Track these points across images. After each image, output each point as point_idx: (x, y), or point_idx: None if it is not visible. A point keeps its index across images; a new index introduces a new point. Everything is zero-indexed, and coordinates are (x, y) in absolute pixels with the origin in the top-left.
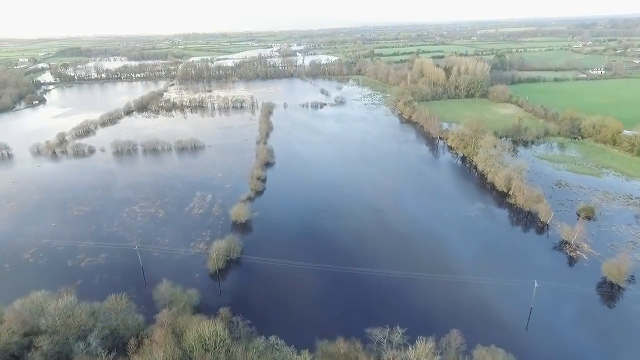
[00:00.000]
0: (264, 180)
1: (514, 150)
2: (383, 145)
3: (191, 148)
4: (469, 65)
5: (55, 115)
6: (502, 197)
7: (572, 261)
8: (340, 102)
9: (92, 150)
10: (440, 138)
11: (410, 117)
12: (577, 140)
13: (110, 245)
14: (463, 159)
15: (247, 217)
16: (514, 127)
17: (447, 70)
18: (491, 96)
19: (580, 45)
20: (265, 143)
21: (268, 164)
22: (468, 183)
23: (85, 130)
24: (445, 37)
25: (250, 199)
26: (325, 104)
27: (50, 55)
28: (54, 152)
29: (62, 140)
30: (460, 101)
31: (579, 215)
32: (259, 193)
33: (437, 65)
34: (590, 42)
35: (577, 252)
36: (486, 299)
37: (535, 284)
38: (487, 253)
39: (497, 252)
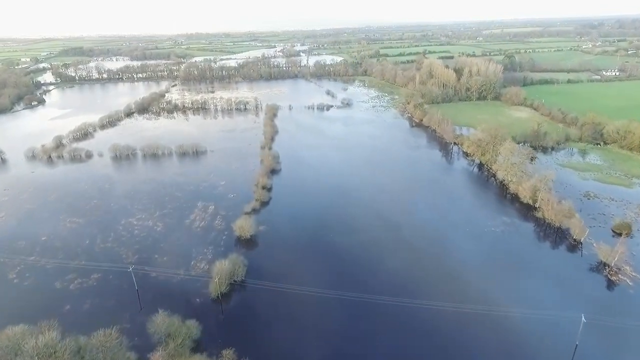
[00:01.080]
0: (269, 189)
1: (532, 157)
2: (394, 150)
3: (193, 153)
4: (481, 67)
5: (53, 116)
6: (527, 210)
7: (613, 286)
8: (347, 104)
9: (89, 155)
10: (455, 143)
11: (421, 120)
12: (599, 146)
13: (103, 266)
14: (480, 166)
15: (252, 232)
16: (532, 132)
17: (458, 72)
18: (504, 98)
19: (590, 45)
20: (270, 148)
21: (273, 171)
22: (488, 193)
23: (84, 133)
24: (451, 38)
25: (255, 210)
26: (331, 106)
27: (52, 55)
28: (50, 156)
29: (58, 144)
30: (472, 104)
31: (614, 232)
32: (265, 204)
33: (447, 66)
34: (600, 43)
35: (619, 275)
36: (522, 333)
37: (583, 318)
38: (519, 277)
39: (529, 276)
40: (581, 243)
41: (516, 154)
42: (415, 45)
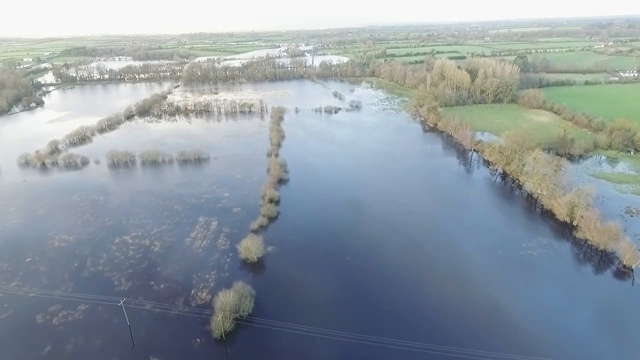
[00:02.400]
0: (277, 202)
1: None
2: (409, 158)
3: (195, 160)
4: (496, 68)
5: (51, 119)
6: (563, 229)
7: None
8: (355, 106)
9: (85, 162)
10: (475, 151)
11: (436, 124)
12: (630, 154)
13: (91, 297)
14: (503, 176)
15: (259, 254)
16: (559, 138)
17: (471, 73)
18: (521, 101)
19: (602, 45)
20: (277, 155)
21: (281, 181)
22: (515, 207)
23: (81, 138)
24: (458, 38)
25: (262, 227)
26: (339, 109)
27: (55, 54)
28: (44, 163)
29: (54, 150)
30: (488, 107)
31: None
32: (272, 219)
33: (459, 67)
34: (612, 43)
35: None
36: None
37: None
38: (569, 316)
39: (580, 315)
40: (632, 270)
41: (546, 164)
42: (422, 45)
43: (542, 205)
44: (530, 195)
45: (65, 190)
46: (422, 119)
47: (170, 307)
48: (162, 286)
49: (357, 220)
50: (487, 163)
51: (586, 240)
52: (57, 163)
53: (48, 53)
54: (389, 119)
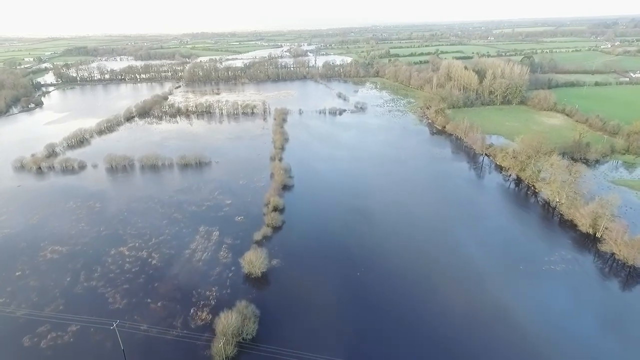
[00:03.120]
0: (281, 211)
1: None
2: (417, 162)
3: (196, 164)
4: (505, 69)
5: (49, 121)
6: (586, 240)
7: None
8: (360, 108)
9: (82, 166)
10: (486, 155)
11: (444, 127)
12: None
13: (83, 317)
14: (517, 182)
15: (264, 268)
16: (574, 142)
17: (479, 73)
18: (531, 103)
19: (609, 45)
20: (280, 159)
21: (285, 187)
22: (532, 216)
23: (79, 140)
24: (461, 37)
25: (266, 238)
26: (344, 110)
27: (56, 54)
28: (40, 167)
29: (50, 153)
30: (497, 108)
31: None
32: (277, 229)
33: (466, 67)
34: (619, 43)
35: None
36: None
37: None
38: (601, 339)
39: (612, 335)
40: None
41: (564, 170)
42: (426, 45)
43: (561, 214)
44: (547, 203)
45: (61, 197)
46: (430, 121)
47: (167, 329)
48: (159, 304)
49: (366, 231)
50: (500, 168)
51: (612, 254)
52: (53, 167)
53: (49, 53)
54: (395, 121)
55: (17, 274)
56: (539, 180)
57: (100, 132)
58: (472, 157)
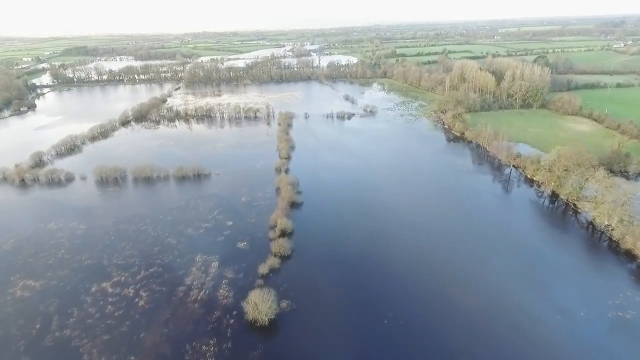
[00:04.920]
0: (290, 235)
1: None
2: (437, 174)
3: (194, 177)
4: (525, 70)
5: (40, 125)
6: None
7: None
8: (370, 112)
9: (70, 178)
10: (514, 167)
11: (463, 133)
12: None
13: None
14: (553, 198)
15: (271, 314)
16: (612, 152)
17: (495, 74)
18: (553, 107)
19: (622, 45)
20: (287, 171)
21: (293, 204)
22: (576, 243)
23: (69, 148)
24: (467, 37)
25: (273, 270)
26: (353, 114)
27: (55, 54)
28: (23, 179)
29: (37, 162)
30: (516, 113)
31: None
32: (285, 258)
33: (480, 69)
34: (631, 42)
35: None
36: None
37: None
38: None
39: None
40: None
41: (614, 189)
42: (432, 45)
43: (612, 241)
44: (592, 226)
45: (42, 216)
46: (446, 126)
47: None
48: None
49: (387, 262)
50: (531, 182)
51: None
52: (38, 179)
53: (49, 52)
54: (408, 126)
55: None
56: (581, 199)
57: (93, 139)
58: (497, 168)
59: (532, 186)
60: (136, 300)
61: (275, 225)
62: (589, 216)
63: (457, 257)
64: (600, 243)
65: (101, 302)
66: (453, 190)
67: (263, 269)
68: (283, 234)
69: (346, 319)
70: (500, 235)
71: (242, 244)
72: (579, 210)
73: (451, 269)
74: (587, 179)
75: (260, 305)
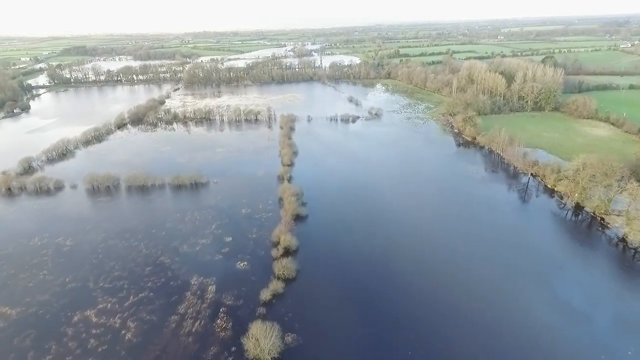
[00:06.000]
0: (294, 253)
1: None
2: (451, 183)
3: (191, 186)
4: (537, 71)
5: (32, 129)
6: None
7: None
8: (375, 114)
9: (59, 187)
10: (532, 175)
11: (474, 138)
12: None
13: None
14: (576, 210)
15: (275, 353)
16: (638, 160)
17: (505, 75)
18: (567, 110)
19: (629, 45)
20: (290, 179)
21: (298, 218)
22: (608, 262)
23: (61, 153)
24: (470, 37)
25: (276, 296)
26: (358, 117)
27: (54, 54)
28: (10, 188)
29: (26, 169)
30: (528, 116)
31: None
32: (290, 281)
33: (489, 69)
34: (638, 42)
35: None
36: None
37: None
38: None
39: None
40: None
41: None
42: (435, 45)
43: None
44: (624, 243)
45: (26, 230)
46: (456, 130)
47: None
48: None
49: (405, 285)
50: (551, 192)
51: None
52: (25, 188)
53: (47, 52)
54: (416, 130)
55: None
56: (611, 213)
57: (87, 143)
58: (512, 176)
59: (552, 197)
60: (123, 332)
61: (278, 242)
62: (619, 232)
63: (477, 280)
64: (635, 262)
65: (83, 335)
66: (467, 202)
67: (265, 294)
68: (287, 252)
69: (360, 355)
70: (522, 254)
71: (242, 264)
72: (608, 225)
73: (472, 293)
74: (620, 191)
75: (262, 341)
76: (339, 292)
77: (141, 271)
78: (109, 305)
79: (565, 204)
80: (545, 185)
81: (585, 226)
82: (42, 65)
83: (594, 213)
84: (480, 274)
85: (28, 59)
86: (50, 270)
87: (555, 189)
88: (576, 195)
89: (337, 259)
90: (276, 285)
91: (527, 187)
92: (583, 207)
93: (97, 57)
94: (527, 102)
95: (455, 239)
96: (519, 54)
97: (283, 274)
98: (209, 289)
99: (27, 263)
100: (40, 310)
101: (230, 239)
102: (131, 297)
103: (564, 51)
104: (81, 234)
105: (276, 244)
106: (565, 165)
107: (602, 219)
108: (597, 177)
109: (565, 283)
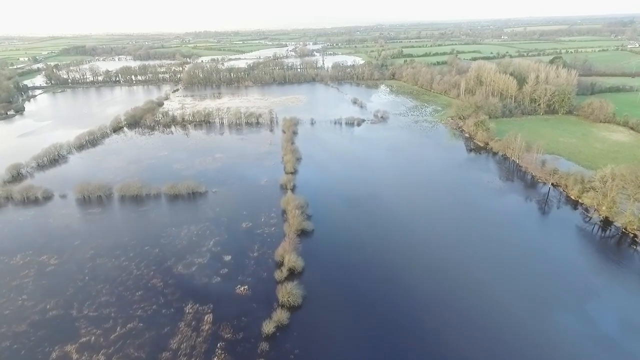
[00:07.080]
0: (299, 275)
1: None
2: (465, 193)
3: (188, 195)
4: (550, 72)
5: (25, 132)
6: None
7: None
8: (381, 117)
9: (48, 196)
10: (553, 185)
11: (487, 143)
12: None
13: None
14: (605, 225)
15: None
16: None
17: (516, 77)
18: (582, 113)
19: (637, 45)
20: (293, 189)
21: (303, 233)
22: None
23: (52, 159)
24: (474, 36)
25: (280, 328)
26: (363, 120)
27: (53, 54)
28: None
29: (14, 176)
30: (541, 119)
31: None
32: (295, 310)
33: (498, 71)
34: None
35: None
36: None
37: None
38: None
39: None
40: None
41: None
42: (439, 45)
43: None
44: None
45: (7, 246)
46: (467, 135)
47: None
48: None
49: (421, 307)
50: (574, 203)
51: None
52: (11, 197)
53: (47, 52)
54: (424, 134)
55: None
56: None
57: (81, 147)
58: (530, 185)
59: (576, 209)
60: None
61: (282, 263)
62: None
63: (504, 312)
64: None
65: None
66: (484, 216)
67: (268, 327)
68: (292, 273)
69: None
70: (549, 272)
71: (242, 288)
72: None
73: (495, 320)
74: None
75: None
76: (350, 321)
77: (131, 296)
78: (93, 338)
79: (591, 218)
80: (567, 196)
81: (615, 243)
82: (40, 65)
83: (625, 229)
84: (507, 304)
85: (26, 59)
86: (30, 295)
87: (580, 200)
88: (604, 208)
89: (347, 282)
90: (280, 316)
91: (547, 198)
92: (612, 222)
93: (97, 57)
94: (539, 104)
95: (477, 261)
96: (525, 54)
97: (288, 300)
98: (205, 318)
99: (5, 285)
100: (15, 344)
101: (230, 257)
102: (118, 329)
103: (571, 51)
104: (68, 250)
105: (280, 265)
106: (588, 174)
107: (635, 235)
108: (629, 189)
109: (604, 311)
